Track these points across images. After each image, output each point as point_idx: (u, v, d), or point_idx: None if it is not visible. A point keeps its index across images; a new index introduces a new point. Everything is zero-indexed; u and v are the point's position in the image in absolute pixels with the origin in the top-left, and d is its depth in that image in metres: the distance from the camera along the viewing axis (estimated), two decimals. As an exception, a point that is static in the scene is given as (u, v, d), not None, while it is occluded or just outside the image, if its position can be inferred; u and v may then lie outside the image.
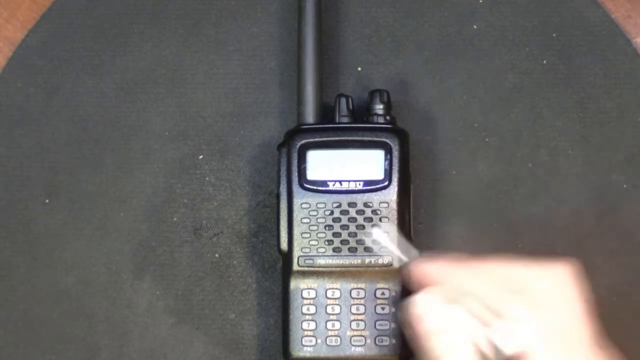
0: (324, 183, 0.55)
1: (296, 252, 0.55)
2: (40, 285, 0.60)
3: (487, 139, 0.61)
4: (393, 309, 0.55)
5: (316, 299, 0.55)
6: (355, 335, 0.55)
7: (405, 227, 0.56)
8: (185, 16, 0.62)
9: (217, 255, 0.60)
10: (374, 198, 0.55)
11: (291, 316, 0.55)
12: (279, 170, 0.56)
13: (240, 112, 0.61)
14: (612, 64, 0.61)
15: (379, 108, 0.57)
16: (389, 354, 0.55)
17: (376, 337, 0.55)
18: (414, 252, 0.50)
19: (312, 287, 0.55)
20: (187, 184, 0.61)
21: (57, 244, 0.60)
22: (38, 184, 0.61)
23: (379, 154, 0.56)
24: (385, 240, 0.49)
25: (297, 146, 0.56)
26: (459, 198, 0.60)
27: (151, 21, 0.62)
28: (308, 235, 0.55)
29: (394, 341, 0.55)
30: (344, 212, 0.55)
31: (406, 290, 0.55)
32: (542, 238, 0.59)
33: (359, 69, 0.61)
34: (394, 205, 0.55)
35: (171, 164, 0.61)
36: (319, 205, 0.55)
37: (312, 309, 0.55)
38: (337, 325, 0.55)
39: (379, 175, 0.55)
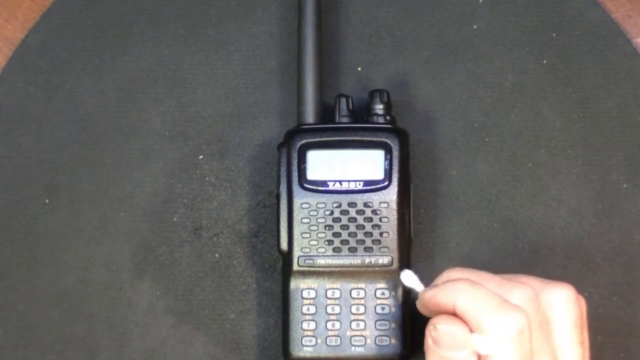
0: (324, 183, 0.55)
1: (296, 252, 0.55)
2: (40, 285, 0.60)
3: (487, 139, 0.61)
4: (393, 309, 0.55)
5: (316, 299, 0.55)
6: (355, 335, 0.55)
7: (405, 227, 0.56)
8: (185, 16, 0.62)
9: (217, 255, 0.60)
10: (374, 198, 0.55)
11: (291, 316, 0.55)
12: (279, 170, 0.56)
13: (240, 112, 0.61)
14: (612, 64, 0.61)
15: (379, 108, 0.57)
16: (389, 354, 0.55)
17: (376, 337, 0.55)
18: None
19: (312, 287, 0.55)
20: (187, 184, 0.61)
21: (57, 244, 0.60)
22: (38, 184, 0.61)
23: (379, 154, 0.56)
24: None
25: (297, 146, 0.56)
26: (459, 198, 0.60)
27: (151, 21, 0.62)
28: (308, 235, 0.55)
29: (394, 341, 0.55)
30: (344, 212, 0.55)
31: (406, 291, 0.55)
32: (542, 238, 0.59)
33: (359, 69, 0.61)
34: (394, 205, 0.55)
35: (171, 164, 0.61)
36: (319, 205, 0.55)
37: (312, 309, 0.55)
38: (337, 325, 0.55)
39: (379, 175, 0.55)
